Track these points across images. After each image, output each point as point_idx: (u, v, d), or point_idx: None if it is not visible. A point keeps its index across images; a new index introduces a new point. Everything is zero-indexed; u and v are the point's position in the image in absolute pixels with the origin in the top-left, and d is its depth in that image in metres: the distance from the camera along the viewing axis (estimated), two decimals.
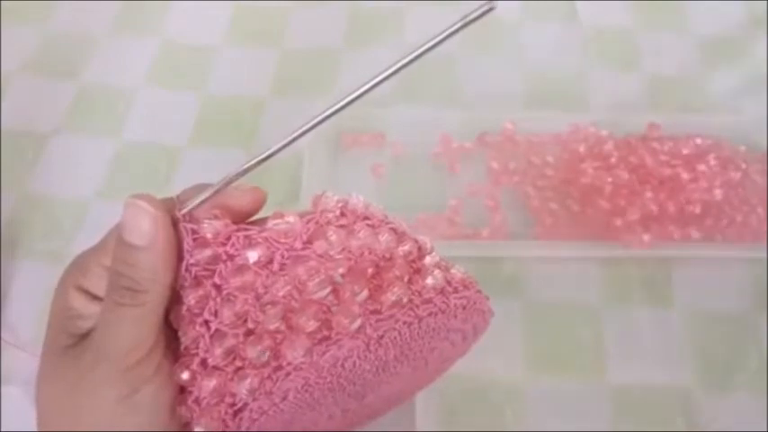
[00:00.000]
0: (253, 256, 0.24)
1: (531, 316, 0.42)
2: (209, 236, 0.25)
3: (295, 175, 0.46)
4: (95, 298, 0.26)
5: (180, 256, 0.25)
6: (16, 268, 0.44)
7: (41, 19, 0.56)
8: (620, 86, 0.53)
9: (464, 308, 0.27)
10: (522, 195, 0.46)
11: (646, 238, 0.43)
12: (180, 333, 0.25)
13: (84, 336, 0.25)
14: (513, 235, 0.45)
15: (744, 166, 0.46)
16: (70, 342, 0.25)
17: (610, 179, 0.45)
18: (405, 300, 0.25)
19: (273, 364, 0.24)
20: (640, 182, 0.45)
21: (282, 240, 0.25)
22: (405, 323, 0.25)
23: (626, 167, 0.45)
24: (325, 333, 0.24)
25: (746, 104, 0.52)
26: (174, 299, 0.25)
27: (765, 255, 0.43)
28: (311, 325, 0.24)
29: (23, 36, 0.55)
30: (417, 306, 0.25)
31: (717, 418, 0.39)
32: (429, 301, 0.25)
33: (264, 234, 0.25)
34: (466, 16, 0.23)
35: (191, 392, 0.24)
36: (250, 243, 0.25)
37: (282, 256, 0.25)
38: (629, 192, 0.44)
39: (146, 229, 0.24)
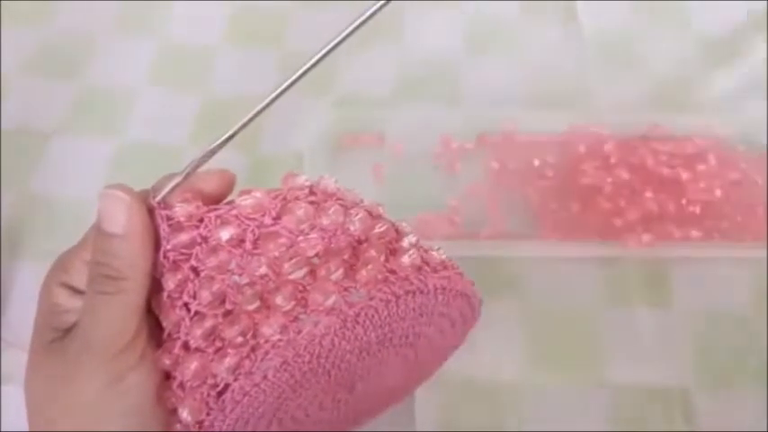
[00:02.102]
0: (225, 234, 0.25)
1: (530, 316, 0.42)
2: (182, 219, 0.25)
3: None
4: (78, 292, 0.26)
5: (157, 244, 0.25)
6: (16, 268, 0.44)
7: (41, 19, 0.56)
8: (620, 86, 0.53)
9: (444, 289, 0.27)
10: (522, 195, 0.46)
11: (646, 238, 0.43)
12: (162, 319, 0.26)
13: (69, 329, 0.26)
14: (513, 235, 0.45)
15: (744, 166, 0.46)
16: (55, 336, 0.26)
17: (610, 179, 0.45)
18: (380, 277, 0.25)
19: (252, 342, 0.24)
20: (640, 182, 0.45)
21: (252, 217, 0.25)
22: (381, 300, 0.25)
23: (626, 167, 0.45)
24: (301, 311, 0.24)
25: (746, 104, 0.52)
26: (155, 287, 0.26)
27: (765, 255, 0.43)
28: (287, 304, 0.24)
29: (23, 36, 0.55)
30: (393, 283, 0.25)
31: (717, 418, 0.39)
32: (406, 278, 0.26)
33: (234, 212, 0.25)
34: None
35: (174, 378, 0.25)
36: (222, 222, 0.25)
37: (253, 233, 0.25)
38: (629, 192, 0.44)
39: (121, 217, 0.25)
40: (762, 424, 0.38)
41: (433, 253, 0.28)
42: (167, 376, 0.25)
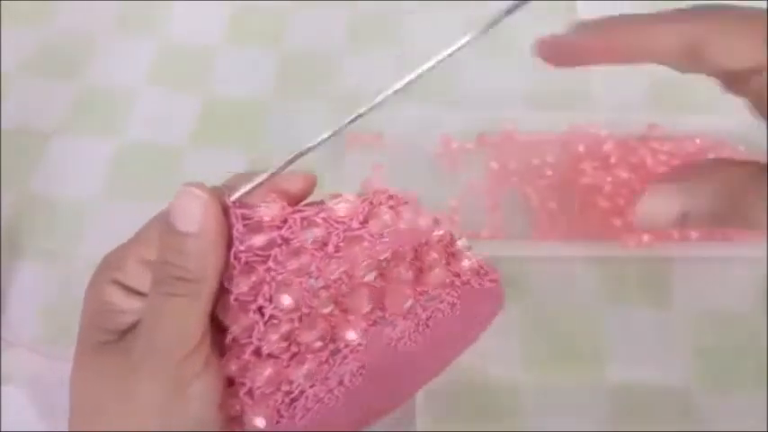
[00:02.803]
0: (311, 237, 0.24)
1: (530, 316, 0.42)
2: (266, 219, 0.24)
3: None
4: (133, 293, 0.25)
5: (228, 244, 0.24)
6: (16, 268, 0.44)
7: (41, 19, 0.56)
8: (620, 86, 0.53)
9: (491, 291, 0.27)
10: (522, 195, 0.46)
11: (646, 238, 0.43)
12: (228, 323, 0.25)
13: (126, 332, 0.25)
14: (513, 235, 0.45)
15: None
16: (108, 338, 0.24)
17: (609, 179, 0.45)
18: (447, 280, 0.25)
19: (331, 347, 0.24)
20: (640, 182, 0.45)
21: (341, 220, 0.25)
22: (449, 303, 0.25)
23: (626, 167, 0.45)
24: (380, 314, 0.24)
25: (746, 104, 0.52)
26: (220, 290, 0.25)
27: (765, 255, 0.43)
28: (366, 307, 0.24)
29: (23, 36, 0.55)
30: (458, 287, 0.26)
31: (717, 418, 0.39)
32: (467, 282, 0.26)
33: (322, 215, 0.24)
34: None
35: (242, 384, 0.24)
36: (308, 224, 0.24)
37: (338, 237, 0.24)
38: (628, 192, 0.44)
39: (197, 215, 0.23)
40: (762, 424, 0.38)
41: (480, 257, 0.28)
42: (231, 383, 0.25)
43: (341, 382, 0.24)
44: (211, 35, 0.56)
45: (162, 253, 0.24)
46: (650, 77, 0.54)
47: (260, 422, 0.24)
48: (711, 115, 0.51)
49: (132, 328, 0.25)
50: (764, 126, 0.51)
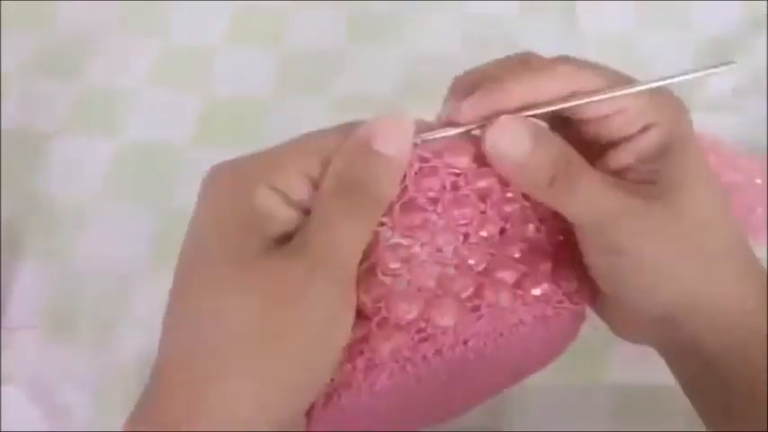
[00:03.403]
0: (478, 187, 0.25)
1: None
2: (448, 162, 0.24)
3: None
4: (291, 203, 0.23)
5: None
6: (16, 268, 0.44)
7: (41, 19, 0.56)
8: None
9: (578, 315, 0.28)
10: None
11: None
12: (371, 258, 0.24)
13: (277, 243, 0.23)
14: None
15: (744, 166, 0.46)
16: (265, 247, 0.22)
17: None
18: (550, 295, 0.25)
19: (422, 325, 0.23)
20: None
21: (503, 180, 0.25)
22: (540, 318, 0.25)
23: None
24: (476, 302, 0.24)
25: (746, 104, 0.52)
26: None
27: (765, 255, 0.43)
28: (467, 288, 0.24)
29: (23, 36, 0.55)
30: (557, 306, 0.26)
31: None
32: (569, 293, 0.26)
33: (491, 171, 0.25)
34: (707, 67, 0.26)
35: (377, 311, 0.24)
36: (478, 176, 0.25)
37: (496, 195, 0.25)
38: None
39: (400, 139, 0.23)
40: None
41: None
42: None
43: (425, 358, 0.23)
44: (211, 35, 0.56)
45: (349, 167, 0.23)
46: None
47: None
48: (711, 115, 0.51)
49: (283, 240, 0.23)
50: (765, 126, 0.51)
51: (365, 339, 0.23)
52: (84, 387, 0.40)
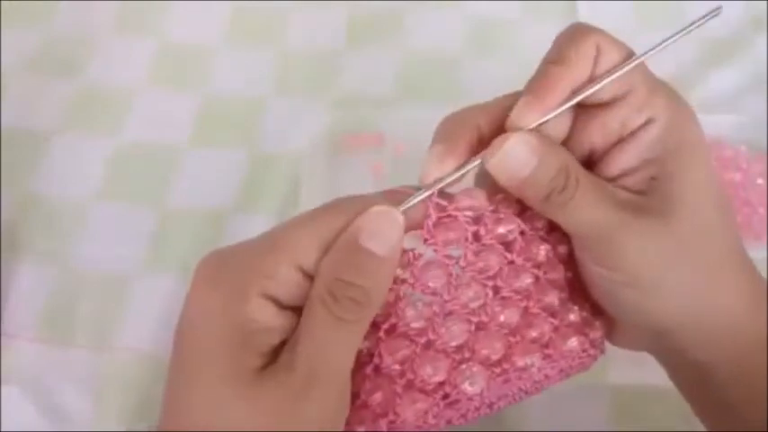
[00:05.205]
0: (502, 236, 0.24)
1: None
2: (464, 210, 0.24)
3: (293, 174, 0.46)
4: (284, 308, 0.23)
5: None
6: (16, 268, 0.44)
7: (41, 19, 0.56)
8: None
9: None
10: None
11: None
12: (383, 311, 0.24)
13: (272, 353, 0.22)
14: None
15: (744, 166, 0.46)
16: (260, 362, 0.22)
17: None
18: (578, 349, 0.25)
19: (448, 390, 0.23)
20: None
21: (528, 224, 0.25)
22: (560, 369, 0.25)
23: None
24: (505, 366, 0.23)
25: (746, 104, 0.52)
26: None
27: (765, 255, 0.43)
28: (498, 351, 0.23)
29: (23, 36, 0.55)
30: (585, 350, 0.25)
31: None
32: (586, 350, 0.26)
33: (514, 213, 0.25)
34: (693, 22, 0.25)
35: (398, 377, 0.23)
36: (498, 222, 0.24)
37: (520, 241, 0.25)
38: None
39: (393, 239, 0.22)
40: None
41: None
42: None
43: (449, 422, 0.24)
44: (211, 35, 0.56)
45: (340, 269, 0.22)
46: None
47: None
48: (711, 115, 0.51)
49: (277, 347, 0.23)
50: (765, 126, 0.51)
51: (386, 398, 0.23)
52: (84, 387, 0.40)
